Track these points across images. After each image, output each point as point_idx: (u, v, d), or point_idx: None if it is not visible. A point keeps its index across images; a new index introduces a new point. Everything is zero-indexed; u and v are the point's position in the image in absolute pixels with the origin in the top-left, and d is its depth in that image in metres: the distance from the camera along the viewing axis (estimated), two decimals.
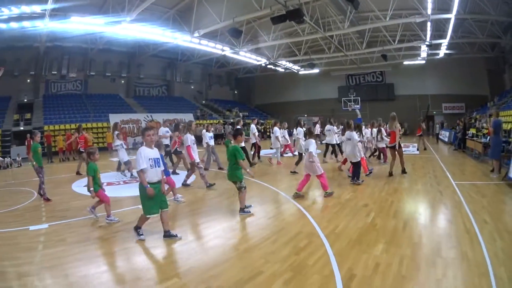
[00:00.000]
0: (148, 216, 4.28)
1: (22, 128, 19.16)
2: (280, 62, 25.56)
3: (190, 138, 7.53)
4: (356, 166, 7.71)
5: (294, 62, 26.71)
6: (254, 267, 3.43)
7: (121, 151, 9.50)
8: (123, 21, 14.34)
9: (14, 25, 14.26)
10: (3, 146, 17.86)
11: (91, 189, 5.24)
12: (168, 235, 4.34)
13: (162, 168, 4.47)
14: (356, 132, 8.48)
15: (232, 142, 6.56)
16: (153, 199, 4.16)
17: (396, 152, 8.73)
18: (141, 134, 4.85)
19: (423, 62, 24.33)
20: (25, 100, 22.20)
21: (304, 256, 3.69)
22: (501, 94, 21.82)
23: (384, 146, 10.12)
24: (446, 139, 18.91)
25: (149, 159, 4.19)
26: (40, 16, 14.12)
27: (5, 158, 15.45)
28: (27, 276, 3.41)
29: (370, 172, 8.76)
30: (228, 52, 21.10)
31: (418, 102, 27.47)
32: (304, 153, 7.07)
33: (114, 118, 21.44)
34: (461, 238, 4.17)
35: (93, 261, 3.78)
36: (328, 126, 11.62)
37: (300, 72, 29.52)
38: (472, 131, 15.11)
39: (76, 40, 20.28)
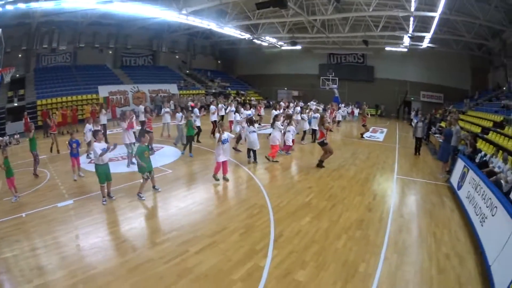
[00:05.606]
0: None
1: (16, 104, 19.06)
2: (263, 37, 25.60)
3: None
4: None
5: (278, 38, 26.68)
6: (223, 225, 5.30)
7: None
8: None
9: (9, 7, 14.32)
10: None
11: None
12: None
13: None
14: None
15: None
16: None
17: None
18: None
19: (405, 50, 24.49)
20: (17, 76, 21.50)
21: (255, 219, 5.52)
22: (481, 93, 21.43)
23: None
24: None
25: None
26: None
27: (4, 137, 14.91)
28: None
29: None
30: (214, 27, 21.36)
31: (397, 87, 28.16)
32: None
33: (103, 90, 21.62)
34: (372, 224, 5.37)
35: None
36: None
37: (282, 48, 29.65)
38: (443, 124, 14.87)
39: (68, 15, 20.42)
